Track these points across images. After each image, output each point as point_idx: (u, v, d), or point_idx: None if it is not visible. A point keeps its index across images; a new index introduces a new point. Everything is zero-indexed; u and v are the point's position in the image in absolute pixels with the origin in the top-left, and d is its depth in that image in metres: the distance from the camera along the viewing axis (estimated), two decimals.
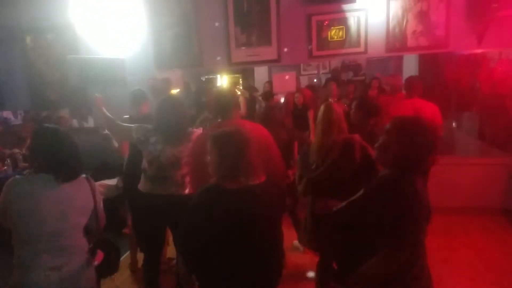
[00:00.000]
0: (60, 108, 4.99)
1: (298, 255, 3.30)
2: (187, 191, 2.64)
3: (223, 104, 2.37)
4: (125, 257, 3.54)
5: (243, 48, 3.82)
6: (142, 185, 2.65)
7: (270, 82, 6.65)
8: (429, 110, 3.38)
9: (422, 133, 1.51)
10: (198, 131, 2.64)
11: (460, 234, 3.61)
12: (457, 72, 5.51)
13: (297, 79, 5.01)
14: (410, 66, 7.34)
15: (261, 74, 7.99)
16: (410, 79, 3.68)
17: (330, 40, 3.71)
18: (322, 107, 2.35)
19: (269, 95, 5.59)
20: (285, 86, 3.69)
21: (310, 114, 4.49)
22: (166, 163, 2.52)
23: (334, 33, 3.70)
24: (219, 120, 2.42)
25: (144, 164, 2.62)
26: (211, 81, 8.50)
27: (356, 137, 2.12)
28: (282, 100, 6.18)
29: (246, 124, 2.28)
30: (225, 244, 1.59)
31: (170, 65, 4.06)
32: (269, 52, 3.77)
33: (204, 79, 8.47)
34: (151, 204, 2.60)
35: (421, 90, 3.53)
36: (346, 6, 3.61)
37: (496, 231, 3.65)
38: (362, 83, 8.10)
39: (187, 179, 2.62)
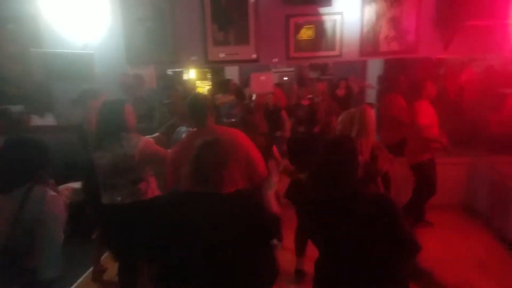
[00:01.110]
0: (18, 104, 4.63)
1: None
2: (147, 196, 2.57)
3: (197, 111, 2.32)
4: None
5: (221, 46, 3.76)
6: (102, 197, 2.59)
7: (229, 80, 6.65)
8: None
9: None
10: (145, 138, 2.52)
11: (425, 230, 3.83)
12: (420, 75, 5.79)
13: None
14: (374, 67, 7.64)
15: (231, 69, 7.88)
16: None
17: (306, 42, 3.76)
18: (353, 110, 2.49)
19: (240, 93, 5.56)
20: (262, 86, 3.68)
21: (283, 114, 4.53)
22: (107, 170, 2.43)
23: (309, 35, 3.75)
24: (193, 128, 2.40)
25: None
26: (178, 75, 8.24)
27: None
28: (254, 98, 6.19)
29: (225, 132, 2.25)
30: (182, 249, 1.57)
31: (143, 61, 3.91)
32: (247, 51, 3.75)
33: (170, 73, 8.20)
34: (109, 215, 2.55)
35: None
36: (323, 9, 3.67)
37: (460, 227, 3.92)
38: (330, 82, 8.32)
39: (143, 185, 2.54)
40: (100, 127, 2.43)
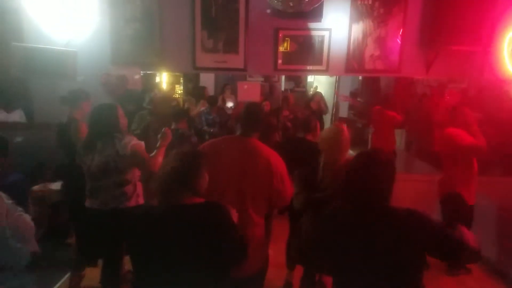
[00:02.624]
0: None
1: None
2: (132, 202, 2.57)
3: (252, 121, 2.23)
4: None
5: (209, 53, 3.75)
6: (86, 201, 2.58)
7: (204, 88, 6.72)
8: None
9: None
10: (134, 140, 2.56)
11: None
12: (392, 92, 6.03)
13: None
14: (346, 83, 7.90)
15: (206, 76, 7.87)
16: None
17: (295, 55, 3.81)
18: (332, 127, 2.44)
19: (213, 100, 5.61)
20: (249, 95, 3.70)
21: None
22: (96, 172, 2.46)
23: (297, 48, 3.81)
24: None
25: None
26: (150, 78, 8.14)
27: None
28: (230, 105, 6.23)
29: (264, 150, 2.18)
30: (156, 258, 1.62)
31: (128, 62, 3.82)
32: (236, 60, 3.75)
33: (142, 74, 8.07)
34: (94, 220, 2.54)
35: None
36: (312, 24, 3.74)
37: None
38: (303, 94, 8.53)
39: (129, 188, 2.54)
40: (94, 129, 2.46)
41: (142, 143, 2.59)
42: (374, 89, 6.70)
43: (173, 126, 3.90)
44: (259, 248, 2.19)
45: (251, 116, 2.21)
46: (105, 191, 2.47)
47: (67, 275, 3.22)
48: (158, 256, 1.60)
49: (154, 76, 8.09)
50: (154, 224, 1.63)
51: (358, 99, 7.14)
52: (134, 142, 2.49)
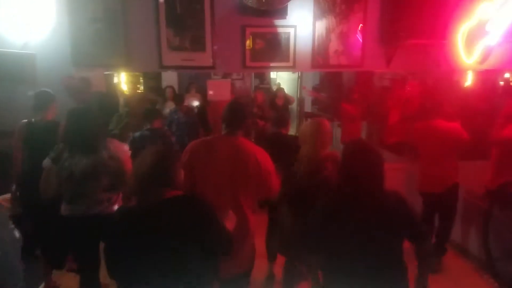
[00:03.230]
0: None
1: None
2: (115, 207, 2.54)
3: (235, 118, 2.24)
4: None
5: (176, 51, 3.70)
6: (62, 209, 2.49)
7: (171, 87, 6.63)
8: None
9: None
10: (115, 141, 2.57)
11: None
12: (352, 85, 6.24)
13: None
14: (308, 78, 8.09)
15: (169, 76, 7.74)
16: None
17: (262, 52, 3.85)
18: (312, 121, 2.49)
19: (179, 98, 5.55)
20: (220, 94, 3.69)
21: None
22: (81, 176, 2.38)
23: (265, 45, 3.85)
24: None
25: (61, 185, 2.43)
26: (108, 78, 7.91)
27: (336, 153, 2.31)
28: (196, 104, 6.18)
29: (249, 145, 2.22)
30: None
31: (90, 64, 3.68)
32: (204, 58, 3.73)
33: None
34: (73, 227, 2.45)
35: None
36: (277, 22, 3.80)
37: None
38: (267, 91, 8.63)
39: (113, 193, 2.52)
40: (76, 133, 2.36)
41: (128, 150, 2.60)
42: (336, 84, 6.91)
43: (148, 126, 3.83)
44: (251, 243, 2.24)
45: (235, 114, 2.20)
46: (89, 196, 2.39)
47: (41, 286, 3.08)
48: (145, 254, 1.58)
49: (112, 76, 7.87)
50: (139, 222, 1.60)
51: (321, 94, 7.34)
52: (122, 146, 2.51)
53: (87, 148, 2.37)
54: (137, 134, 3.90)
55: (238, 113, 2.21)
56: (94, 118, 2.41)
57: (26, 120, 3.19)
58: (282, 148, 2.85)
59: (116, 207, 2.52)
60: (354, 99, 5.72)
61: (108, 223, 1.69)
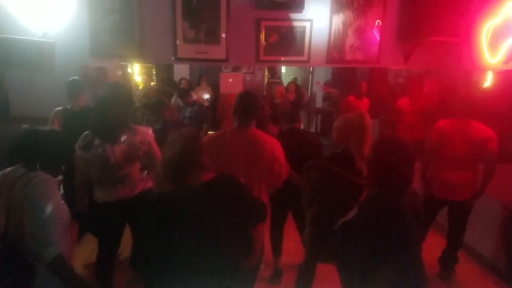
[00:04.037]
0: None
1: None
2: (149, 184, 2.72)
3: (247, 109, 2.19)
4: None
5: (191, 44, 3.72)
6: (98, 195, 2.57)
7: (186, 79, 6.61)
8: None
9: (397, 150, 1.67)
10: (140, 127, 2.67)
11: None
12: (366, 81, 6.11)
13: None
14: (320, 73, 7.99)
15: (181, 68, 7.78)
16: None
17: (276, 46, 3.83)
18: (354, 115, 2.37)
19: (184, 92, 5.53)
20: (232, 87, 3.69)
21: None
22: (118, 161, 2.45)
23: (279, 39, 3.83)
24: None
25: (94, 172, 2.49)
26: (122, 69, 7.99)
27: None
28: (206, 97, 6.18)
29: (263, 136, 2.20)
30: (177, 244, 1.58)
31: (107, 54, 3.75)
32: (218, 51, 3.74)
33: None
34: (107, 213, 2.54)
35: None
36: (293, 15, 3.76)
37: None
38: (278, 85, 8.57)
39: (148, 173, 2.69)
40: (111, 119, 2.42)
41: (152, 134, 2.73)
42: (349, 80, 6.79)
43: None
44: (263, 237, 2.25)
45: (246, 105, 2.16)
46: (129, 179, 2.53)
47: None
48: (184, 240, 1.55)
49: (126, 67, 7.97)
50: (183, 206, 1.59)
51: (333, 90, 7.23)
52: (150, 131, 2.65)
53: (117, 136, 2.46)
54: (157, 125, 3.93)
55: (249, 104, 2.16)
56: (122, 106, 2.49)
57: (61, 107, 3.31)
58: (303, 143, 2.81)
59: (150, 183, 2.70)
60: (368, 95, 5.58)
61: (149, 207, 1.67)
